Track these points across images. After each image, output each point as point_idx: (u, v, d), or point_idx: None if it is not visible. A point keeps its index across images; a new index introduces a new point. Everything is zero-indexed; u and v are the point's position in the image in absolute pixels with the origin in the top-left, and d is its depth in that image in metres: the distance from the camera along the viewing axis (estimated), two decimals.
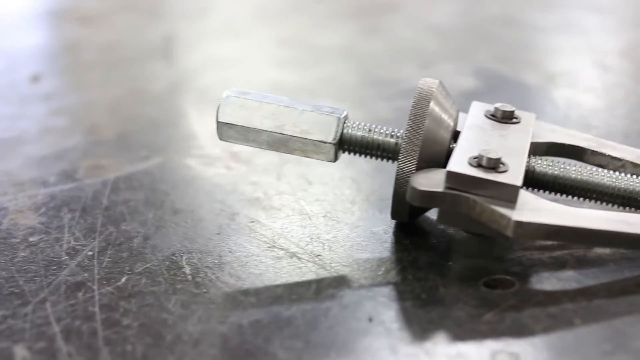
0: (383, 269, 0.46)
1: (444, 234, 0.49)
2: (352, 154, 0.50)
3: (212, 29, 0.91)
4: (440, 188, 0.45)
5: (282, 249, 0.48)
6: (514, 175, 0.45)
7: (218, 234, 0.50)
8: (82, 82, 0.78)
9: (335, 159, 0.49)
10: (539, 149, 0.52)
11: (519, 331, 0.41)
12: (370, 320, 0.42)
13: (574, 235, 0.44)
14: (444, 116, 0.48)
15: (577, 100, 0.69)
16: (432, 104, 0.47)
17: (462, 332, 0.41)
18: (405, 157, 0.46)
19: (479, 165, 0.45)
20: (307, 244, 0.48)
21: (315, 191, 0.55)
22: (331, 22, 0.92)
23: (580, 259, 0.46)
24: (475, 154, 0.45)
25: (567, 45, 0.83)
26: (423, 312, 0.42)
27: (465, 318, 0.42)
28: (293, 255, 0.47)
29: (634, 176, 0.48)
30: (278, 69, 0.78)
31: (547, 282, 0.45)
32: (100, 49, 0.85)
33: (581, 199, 0.49)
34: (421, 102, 0.47)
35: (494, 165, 0.45)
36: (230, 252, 0.48)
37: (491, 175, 0.44)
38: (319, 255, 0.47)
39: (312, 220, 0.51)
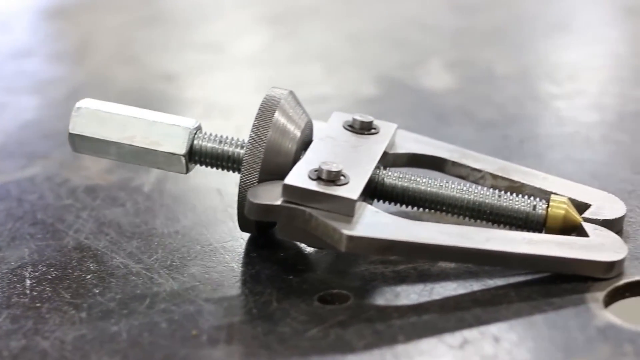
0: (223, 283, 0.45)
1: (294, 246, 0.48)
2: (204, 166, 0.49)
3: (132, 33, 0.90)
4: (277, 201, 0.44)
5: (127, 264, 0.47)
6: (352, 189, 0.44)
7: (70, 247, 0.49)
8: None
9: (187, 170, 0.49)
10: (399, 160, 0.52)
11: (340, 348, 0.40)
12: (195, 336, 0.41)
13: (408, 250, 0.44)
14: (291, 127, 0.47)
15: (469, 110, 0.68)
16: (277, 115, 0.46)
17: (282, 349, 0.40)
18: (246, 169, 0.46)
19: (319, 178, 0.44)
20: (154, 259, 0.48)
21: (180, 203, 0.54)
22: (250, 27, 0.91)
23: (422, 273, 0.46)
24: (317, 166, 0.45)
25: (479, 53, 0.82)
26: (249, 328, 0.42)
27: (290, 334, 0.41)
28: (138, 270, 0.47)
29: (485, 189, 0.48)
30: (171, 77, 0.77)
31: (383, 297, 0.44)
32: (8, 54, 0.84)
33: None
34: (265, 112, 0.46)
35: (334, 178, 0.44)
36: (76, 265, 0.47)
37: (328, 189, 0.44)
38: (163, 269, 0.47)
39: (167, 234, 0.50)
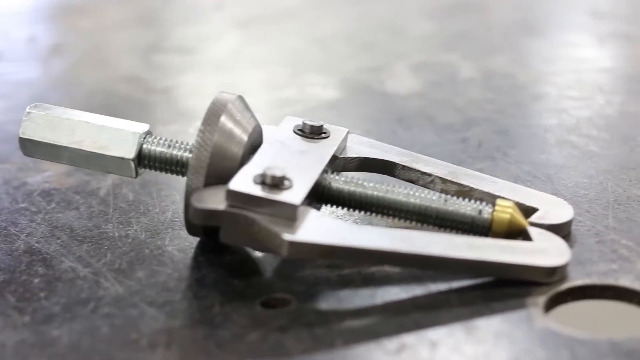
0: (168, 287, 0.46)
1: (242, 250, 0.49)
2: (154, 170, 0.49)
3: (104, 36, 0.91)
4: (221, 206, 0.44)
5: (76, 268, 0.47)
6: (295, 194, 0.44)
7: (21, 250, 0.49)
8: None
9: (137, 175, 0.49)
10: (350, 164, 0.52)
11: (278, 352, 0.40)
12: (134, 340, 0.42)
13: (349, 254, 0.44)
14: (237, 131, 0.47)
15: (430, 113, 0.68)
16: (223, 119, 0.47)
17: (220, 353, 0.40)
18: (192, 173, 0.46)
19: (263, 183, 0.44)
20: (102, 263, 0.48)
21: (134, 207, 0.54)
22: (222, 30, 0.92)
23: (367, 277, 0.46)
24: (263, 171, 0.45)
25: (446, 56, 0.82)
26: (189, 332, 0.42)
27: (229, 338, 0.41)
28: (85, 274, 0.47)
29: (432, 193, 0.48)
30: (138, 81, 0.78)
31: (325, 301, 0.44)
32: None
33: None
34: (211, 117, 0.47)
35: (278, 182, 0.44)
36: (25, 269, 0.47)
37: (271, 194, 0.44)
38: (110, 273, 0.47)
39: (118, 238, 0.50)
